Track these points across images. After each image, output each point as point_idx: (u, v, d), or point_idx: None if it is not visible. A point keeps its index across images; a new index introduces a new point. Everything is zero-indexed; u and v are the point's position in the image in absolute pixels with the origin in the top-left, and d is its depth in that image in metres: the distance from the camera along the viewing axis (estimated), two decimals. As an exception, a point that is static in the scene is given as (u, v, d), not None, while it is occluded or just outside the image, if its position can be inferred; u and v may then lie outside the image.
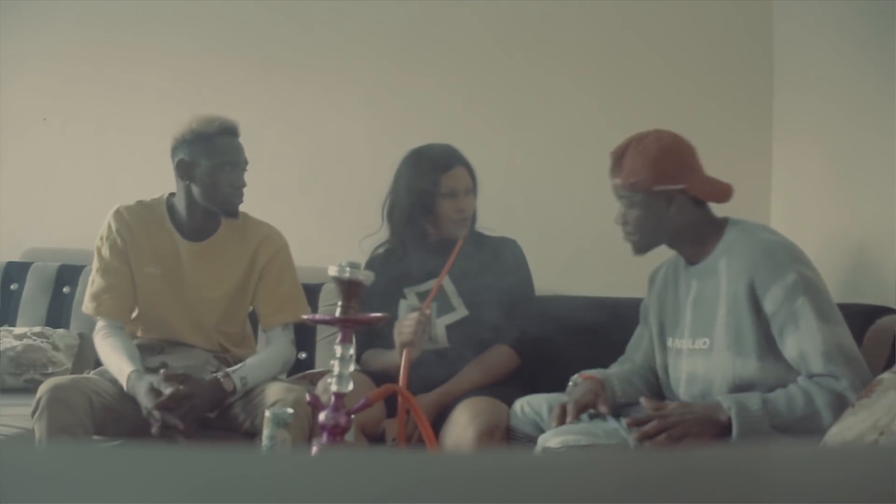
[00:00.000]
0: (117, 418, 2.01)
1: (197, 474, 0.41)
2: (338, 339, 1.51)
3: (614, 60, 2.97)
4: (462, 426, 1.93)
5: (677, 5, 2.94)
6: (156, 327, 2.23)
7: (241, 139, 2.19)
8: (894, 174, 2.01)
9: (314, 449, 1.49)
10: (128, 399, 2.01)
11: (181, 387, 1.94)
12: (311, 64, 3.09)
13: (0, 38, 3.16)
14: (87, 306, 2.22)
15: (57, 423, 1.89)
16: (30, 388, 2.46)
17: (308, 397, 1.55)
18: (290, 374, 2.52)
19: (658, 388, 1.95)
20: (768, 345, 1.70)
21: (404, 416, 1.97)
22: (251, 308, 2.33)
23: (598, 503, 0.39)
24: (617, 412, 1.85)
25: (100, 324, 2.20)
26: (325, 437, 1.50)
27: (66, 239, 2.96)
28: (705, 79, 2.91)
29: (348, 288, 1.50)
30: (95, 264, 2.23)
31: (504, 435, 1.97)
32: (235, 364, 2.20)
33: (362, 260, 2.29)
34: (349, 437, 1.52)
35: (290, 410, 1.66)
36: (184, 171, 2.15)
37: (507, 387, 2.02)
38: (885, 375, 1.64)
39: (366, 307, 1.60)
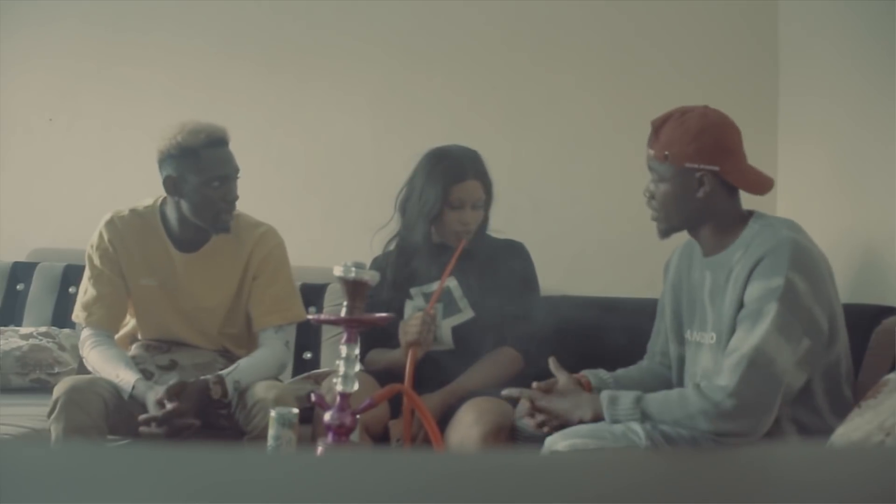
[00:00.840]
0: (131, 419, 2.01)
1: (205, 474, 0.42)
2: (343, 340, 1.52)
3: (619, 61, 2.97)
4: (467, 426, 1.93)
5: (683, 6, 2.94)
6: (157, 331, 2.22)
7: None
8: (900, 175, 2.01)
9: (319, 449, 1.49)
10: (138, 401, 2.01)
11: (178, 405, 1.92)
12: (317, 64, 3.09)
13: (6, 36, 3.16)
14: (77, 315, 2.19)
15: (73, 424, 1.89)
16: (36, 388, 2.47)
17: (314, 397, 1.56)
18: (295, 374, 2.52)
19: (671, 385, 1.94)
20: None
21: (410, 416, 1.98)
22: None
23: (602, 503, 0.39)
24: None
25: (88, 332, 2.16)
26: (330, 437, 1.50)
27: (72, 239, 2.95)
28: (711, 80, 2.90)
29: (353, 288, 1.50)
30: (87, 273, 2.19)
31: (509, 435, 1.97)
32: None
33: (371, 256, 2.28)
34: (354, 437, 1.53)
35: (296, 411, 1.66)
36: (172, 187, 2.10)
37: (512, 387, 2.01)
38: (892, 376, 1.64)
39: (373, 307, 1.60)
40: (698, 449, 1.57)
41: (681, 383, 1.89)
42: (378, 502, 0.38)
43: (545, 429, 1.77)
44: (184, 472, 0.42)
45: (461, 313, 2.21)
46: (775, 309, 1.60)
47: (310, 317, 1.78)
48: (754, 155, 2.78)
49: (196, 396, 1.98)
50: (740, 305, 1.68)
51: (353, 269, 1.50)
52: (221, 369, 2.16)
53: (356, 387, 1.51)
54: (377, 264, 2.22)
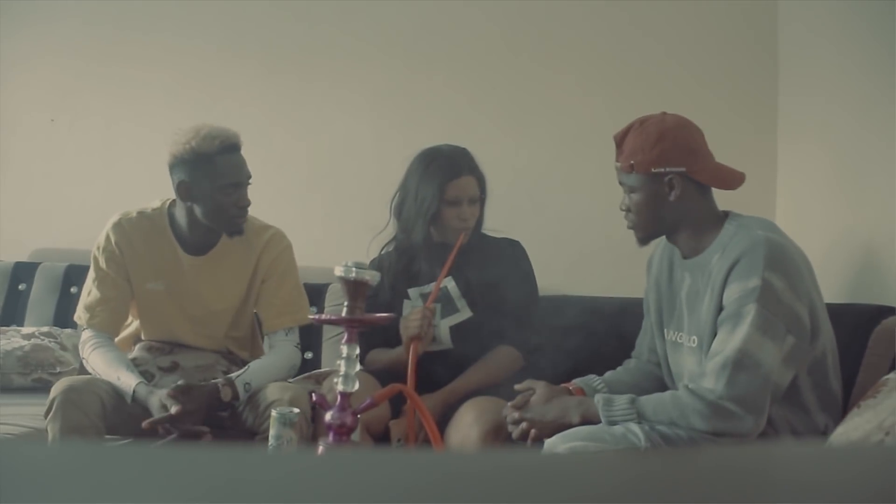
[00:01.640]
0: (129, 419, 2.01)
1: (205, 474, 0.42)
2: (343, 339, 1.52)
3: (620, 61, 2.97)
4: (467, 426, 1.94)
5: (683, 7, 2.94)
6: (161, 333, 2.21)
7: (248, 139, 2.13)
8: (899, 175, 2.01)
9: (320, 448, 1.50)
10: (140, 405, 2.01)
11: (183, 407, 1.92)
12: (318, 63, 3.09)
13: (8, 36, 3.17)
14: (79, 316, 2.18)
15: (70, 424, 1.89)
16: (38, 388, 2.48)
17: (314, 397, 1.56)
18: (296, 374, 2.53)
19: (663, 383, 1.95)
20: None
21: (413, 415, 1.98)
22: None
23: (602, 503, 0.39)
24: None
25: (89, 334, 2.15)
26: (331, 437, 1.51)
27: (74, 239, 2.96)
28: (711, 80, 2.90)
29: (354, 288, 1.51)
30: (91, 275, 2.18)
31: (509, 435, 1.98)
32: (244, 363, 2.20)
33: (369, 260, 2.29)
34: (355, 436, 1.53)
35: (297, 410, 1.66)
36: (185, 193, 2.09)
37: (511, 387, 2.02)
38: (891, 376, 1.64)
39: (372, 307, 1.61)
40: (697, 449, 1.58)
41: (671, 379, 1.90)
42: (378, 502, 0.39)
43: (531, 438, 1.78)
44: (184, 471, 0.42)
45: (459, 313, 2.22)
46: (754, 309, 1.61)
47: (311, 317, 1.79)
48: (754, 154, 2.80)
49: (204, 400, 1.97)
50: (720, 308, 1.69)
51: (354, 269, 1.50)
52: (223, 371, 2.16)
53: (357, 386, 1.52)
54: (374, 267, 2.23)
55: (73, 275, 2.84)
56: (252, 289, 2.21)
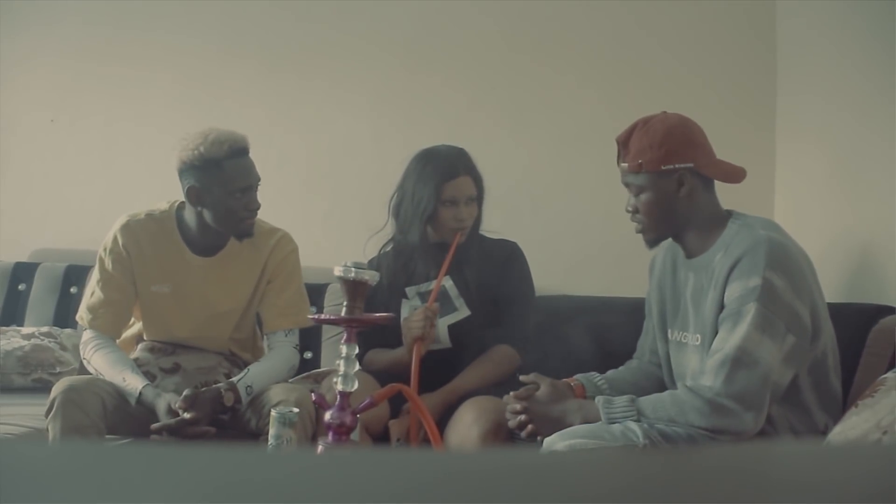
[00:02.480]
0: (129, 419, 2.01)
1: (204, 473, 0.42)
2: (343, 339, 1.53)
3: (619, 60, 2.97)
4: (466, 425, 1.94)
5: (682, 6, 2.94)
6: (164, 335, 2.21)
7: (248, 138, 2.13)
8: (897, 174, 2.01)
9: (320, 448, 1.50)
10: (146, 406, 2.01)
11: (191, 414, 1.93)
12: (318, 63, 3.10)
13: (8, 36, 3.17)
14: (82, 317, 2.17)
15: (70, 424, 1.89)
16: (38, 388, 2.48)
17: (314, 397, 1.56)
18: (296, 373, 2.53)
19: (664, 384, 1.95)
20: None
21: (413, 415, 1.98)
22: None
23: (602, 502, 0.39)
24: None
25: (90, 335, 2.14)
26: (330, 437, 1.51)
27: (74, 240, 2.96)
28: (709, 79, 2.91)
29: (353, 288, 1.51)
30: (96, 275, 2.17)
31: (508, 434, 1.98)
32: (245, 365, 2.20)
33: (367, 259, 2.29)
34: (354, 436, 1.53)
35: (296, 410, 1.67)
36: (195, 198, 2.09)
37: (510, 386, 2.03)
38: (889, 375, 1.65)
39: (370, 307, 1.61)
40: (697, 448, 1.58)
41: (671, 380, 1.91)
42: (378, 502, 0.39)
43: (527, 432, 1.79)
44: (184, 471, 0.42)
45: (457, 312, 2.22)
46: (755, 308, 1.61)
47: (310, 317, 1.79)
48: (752, 154, 2.80)
49: (209, 405, 1.98)
50: (721, 307, 1.70)
51: (353, 269, 1.51)
52: (225, 372, 2.17)
53: (356, 386, 1.52)
54: (373, 267, 2.23)
55: (73, 275, 2.85)
56: (258, 290, 2.22)
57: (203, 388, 2.02)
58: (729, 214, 1.81)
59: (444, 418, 2.02)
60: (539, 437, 1.79)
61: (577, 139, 2.98)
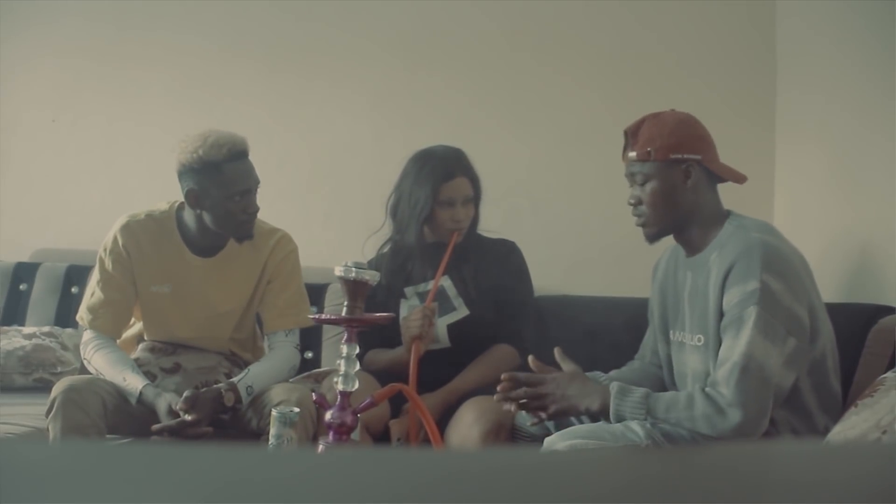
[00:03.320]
0: (130, 419, 2.02)
1: (205, 473, 0.42)
2: (343, 339, 1.53)
3: (619, 60, 2.98)
4: (467, 425, 1.94)
5: (682, 6, 2.94)
6: (164, 335, 2.21)
7: (248, 138, 2.13)
8: (897, 174, 2.01)
9: (320, 448, 1.50)
10: (146, 406, 2.01)
11: (193, 416, 1.93)
12: (319, 63, 3.10)
13: (9, 36, 3.17)
14: (82, 317, 2.17)
15: (71, 423, 1.89)
16: (39, 388, 2.48)
17: (314, 396, 1.57)
18: (296, 373, 2.53)
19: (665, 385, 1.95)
20: None
21: (413, 415, 1.99)
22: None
23: (602, 502, 0.39)
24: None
25: (90, 335, 2.15)
26: (331, 436, 1.51)
27: (75, 240, 2.97)
28: (709, 79, 2.91)
29: (354, 288, 1.52)
30: (96, 276, 2.17)
31: (509, 434, 1.98)
32: (246, 365, 2.20)
33: (366, 260, 2.29)
34: (355, 435, 1.54)
35: (297, 409, 1.67)
36: (194, 200, 2.09)
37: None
38: (888, 375, 1.65)
39: (369, 307, 1.61)
40: (697, 448, 1.58)
41: (672, 382, 1.90)
42: (378, 502, 0.39)
43: (544, 414, 1.73)
44: (184, 471, 0.42)
45: (456, 311, 2.22)
46: (755, 313, 1.61)
47: (311, 317, 1.79)
48: (752, 153, 2.81)
49: (209, 405, 1.98)
50: (720, 310, 1.69)
51: (354, 268, 1.51)
52: (225, 372, 2.17)
53: (357, 386, 1.52)
54: (371, 267, 2.23)
55: (74, 275, 2.85)
56: (258, 291, 2.22)
57: (203, 389, 2.02)
58: (727, 214, 1.81)
59: (444, 418, 2.02)
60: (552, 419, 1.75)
61: (578, 139, 2.99)
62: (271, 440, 1.64)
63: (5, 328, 2.70)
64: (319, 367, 2.60)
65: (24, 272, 2.90)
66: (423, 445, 1.97)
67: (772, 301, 1.62)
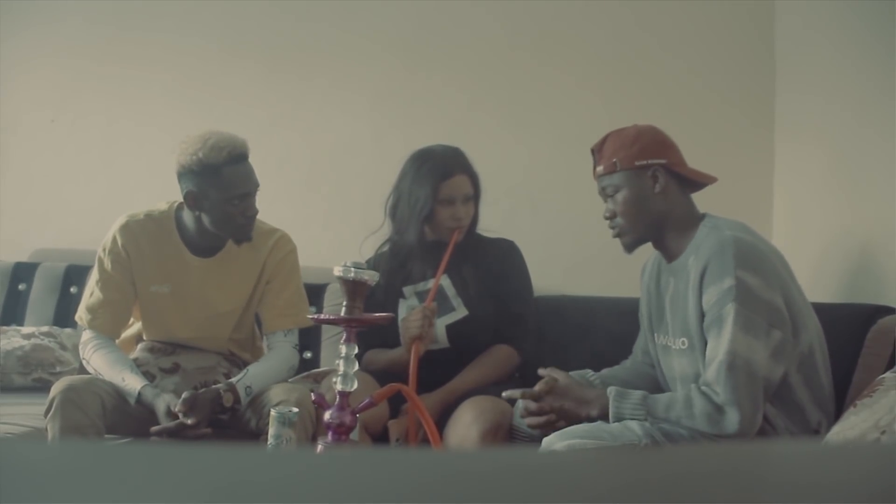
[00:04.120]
0: (129, 419, 2.02)
1: (204, 473, 0.42)
2: (342, 339, 1.53)
3: (618, 60, 2.98)
4: (466, 425, 1.94)
5: (681, 6, 2.95)
6: (164, 335, 2.21)
7: (247, 138, 2.13)
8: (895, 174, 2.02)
9: (319, 448, 1.50)
10: (145, 406, 2.01)
11: (192, 419, 1.93)
12: (318, 63, 3.10)
13: (8, 36, 3.17)
14: (81, 316, 2.17)
15: (69, 423, 1.89)
16: (38, 388, 2.48)
17: (314, 396, 1.57)
18: (295, 373, 2.53)
19: (657, 383, 1.96)
20: None
21: (413, 415, 1.99)
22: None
23: (602, 502, 0.39)
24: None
25: (89, 335, 2.15)
26: (330, 436, 1.51)
27: (74, 240, 2.97)
28: (708, 79, 2.91)
29: (353, 288, 1.52)
30: (95, 276, 2.17)
31: (507, 434, 1.98)
32: (245, 365, 2.21)
33: (364, 260, 2.29)
34: (354, 436, 1.54)
35: (296, 409, 1.67)
36: (193, 202, 2.09)
37: (509, 385, 2.03)
38: (887, 375, 1.65)
39: (368, 307, 1.61)
40: (696, 448, 1.58)
41: (665, 381, 1.91)
42: (377, 502, 0.39)
43: (549, 427, 1.77)
44: (184, 471, 0.42)
45: (455, 312, 2.22)
46: (734, 309, 1.62)
47: (310, 317, 1.79)
48: (751, 153, 2.81)
49: (208, 406, 1.98)
50: (701, 311, 1.71)
51: (353, 269, 1.51)
52: (224, 372, 2.17)
53: (356, 386, 1.52)
54: (370, 267, 2.24)
55: (73, 275, 2.85)
56: (257, 291, 2.23)
57: (202, 390, 2.02)
58: (702, 217, 1.83)
59: (443, 418, 2.02)
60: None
61: (577, 139, 2.98)
62: (270, 440, 1.64)
63: (4, 328, 2.70)
64: (318, 367, 2.60)
65: (23, 272, 2.90)
66: (422, 445, 1.97)
67: (749, 296, 1.63)
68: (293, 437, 1.63)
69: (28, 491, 0.38)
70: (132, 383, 2.02)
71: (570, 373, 1.93)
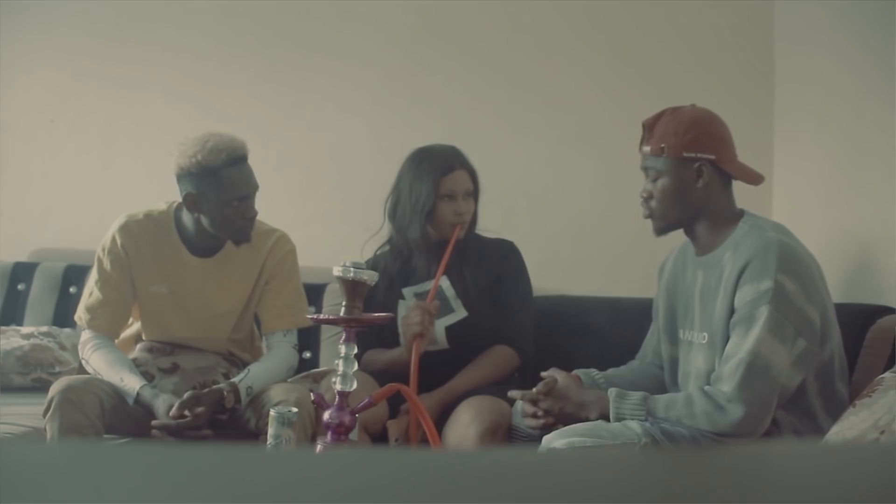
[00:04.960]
0: (127, 418, 2.02)
1: (204, 473, 0.42)
2: (342, 339, 1.53)
3: (617, 60, 2.98)
4: (465, 425, 1.94)
5: (680, 6, 2.95)
6: (163, 334, 2.21)
7: (247, 138, 2.13)
8: (894, 174, 2.02)
9: (318, 448, 1.50)
10: (143, 406, 2.01)
11: (192, 418, 1.93)
12: (317, 62, 3.10)
13: (7, 36, 3.17)
14: (80, 316, 2.17)
15: (68, 423, 1.89)
16: (37, 388, 2.48)
17: (313, 396, 1.57)
18: (294, 373, 2.53)
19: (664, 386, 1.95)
20: None
21: (412, 415, 1.99)
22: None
23: (600, 502, 0.39)
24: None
25: (89, 335, 2.15)
26: (329, 436, 1.51)
27: (73, 239, 2.96)
28: (707, 79, 2.91)
29: (352, 288, 1.52)
30: (94, 276, 2.17)
31: (506, 434, 1.98)
32: (244, 365, 2.21)
33: (364, 260, 2.29)
34: (353, 435, 1.54)
35: (295, 409, 1.67)
36: (192, 204, 2.09)
37: (509, 386, 2.03)
38: (886, 375, 1.65)
39: (367, 307, 1.62)
40: (697, 448, 1.58)
41: (673, 383, 1.90)
42: (377, 502, 0.39)
43: (548, 428, 1.77)
44: (183, 470, 0.43)
45: (454, 313, 2.22)
46: (767, 311, 1.61)
47: (309, 317, 1.79)
48: (750, 153, 2.80)
49: (210, 406, 1.98)
50: (732, 309, 1.69)
51: (352, 269, 1.51)
52: (223, 372, 2.17)
53: (355, 385, 1.52)
54: (370, 268, 2.23)
55: (73, 275, 2.85)
56: (256, 291, 2.23)
57: (205, 391, 2.02)
58: (741, 213, 1.81)
59: (442, 418, 2.02)
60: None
61: (577, 139, 2.99)
62: (270, 440, 1.64)
63: (3, 328, 2.69)
64: (318, 367, 2.60)
65: (23, 272, 2.90)
66: (422, 446, 1.97)
67: (785, 301, 1.62)
68: (292, 437, 1.63)
69: (27, 491, 0.38)
70: (130, 383, 2.02)
71: (576, 370, 1.93)
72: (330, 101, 3.08)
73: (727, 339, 1.69)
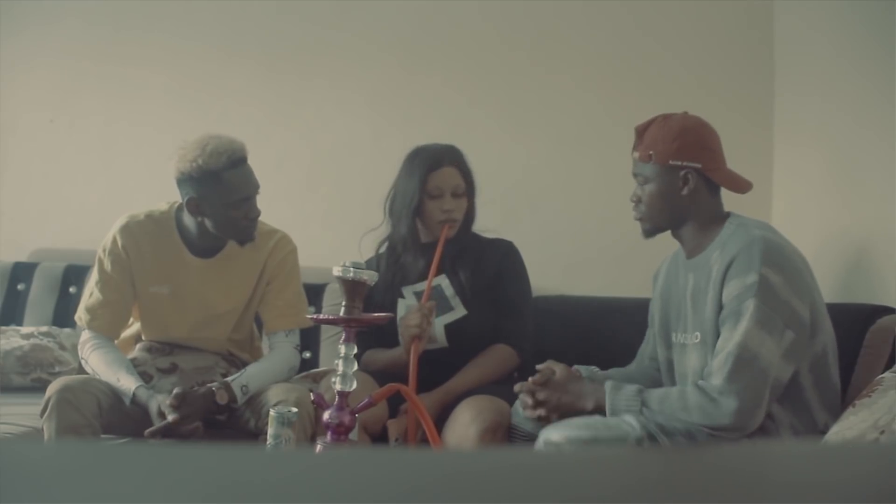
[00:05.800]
0: (125, 419, 2.02)
1: (203, 473, 0.42)
2: (342, 339, 1.53)
3: (617, 61, 2.98)
4: (464, 425, 1.94)
5: (680, 6, 2.95)
6: (162, 335, 2.21)
7: (247, 138, 2.13)
8: (894, 174, 2.02)
9: (318, 448, 1.50)
10: (139, 407, 2.01)
11: (180, 414, 1.92)
12: (317, 63, 3.10)
13: (7, 36, 3.17)
14: (80, 317, 2.17)
15: (65, 423, 1.88)
16: (37, 388, 2.48)
17: (313, 396, 1.57)
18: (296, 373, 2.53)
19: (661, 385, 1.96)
20: None
21: (412, 415, 1.99)
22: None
23: (600, 502, 0.39)
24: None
25: (88, 335, 2.15)
26: (329, 436, 1.51)
27: (73, 240, 2.96)
28: (707, 80, 2.91)
29: (352, 288, 1.52)
30: (95, 276, 2.17)
31: (506, 433, 1.98)
32: (244, 365, 2.21)
33: (363, 258, 2.29)
34: (353, 435, 1.54)
35: (295, 409, 1.67)
36: (194, 208, 2.09)
37: (508, 385, 2.03)
38: (886, 375, 1.65)
39: (367, 307, 1.62)
40: (695, 446, 1.58)
41: (671, 384, 1.91)
42: (377, 502, 0.39)
43: (546, 419, 1.79)
44: (183, 471, 0.43)
45: (453, 311, 2.22)
46: (753, 304, 1.64)
47: (309, 317, 1.79)
48: (750, 154, 2.81)
49: (200, 404, 1.97)
50: (720, 306, 1.71)
51: (352, 268, 1.51)
52: (222, 373, 2.17)
53: (355, 386, 1.52)
54: (370, 267, 2.24)
55: (72, 275, 2.85)
56: (257, 291, 2.23)
57: (193, 389, 2.01)
58: (727, 215, 1.84)
59: (441, 418, 2.02)
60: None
61: (576, 139, 2.99)
62: (269, 440, 1.64)
63: (3, 328, 2.69)
64: (317, 366, 2.60)
65: (23, 272, 2.90)
66: (421, 445, 1.97)
67: (770, 294, 1.64)
68: (292, 437, 1.63)
69: (26, 491, 0.38)
70: (127, 384, 2.02)
71: (577, 366, 1.94)
72: (330, 101, 3.08)
73: (718, 336, 1.71)
